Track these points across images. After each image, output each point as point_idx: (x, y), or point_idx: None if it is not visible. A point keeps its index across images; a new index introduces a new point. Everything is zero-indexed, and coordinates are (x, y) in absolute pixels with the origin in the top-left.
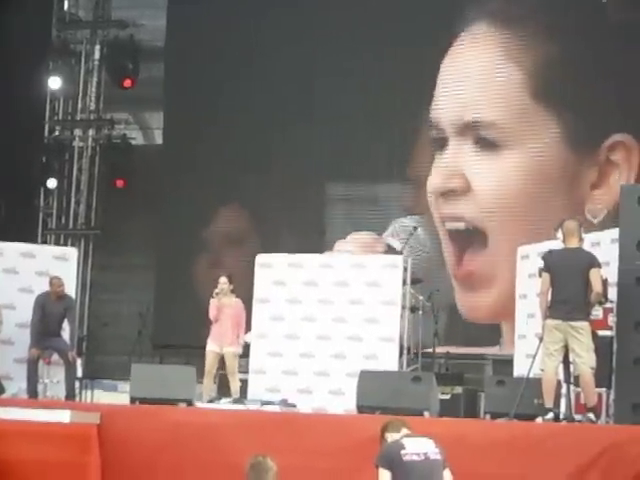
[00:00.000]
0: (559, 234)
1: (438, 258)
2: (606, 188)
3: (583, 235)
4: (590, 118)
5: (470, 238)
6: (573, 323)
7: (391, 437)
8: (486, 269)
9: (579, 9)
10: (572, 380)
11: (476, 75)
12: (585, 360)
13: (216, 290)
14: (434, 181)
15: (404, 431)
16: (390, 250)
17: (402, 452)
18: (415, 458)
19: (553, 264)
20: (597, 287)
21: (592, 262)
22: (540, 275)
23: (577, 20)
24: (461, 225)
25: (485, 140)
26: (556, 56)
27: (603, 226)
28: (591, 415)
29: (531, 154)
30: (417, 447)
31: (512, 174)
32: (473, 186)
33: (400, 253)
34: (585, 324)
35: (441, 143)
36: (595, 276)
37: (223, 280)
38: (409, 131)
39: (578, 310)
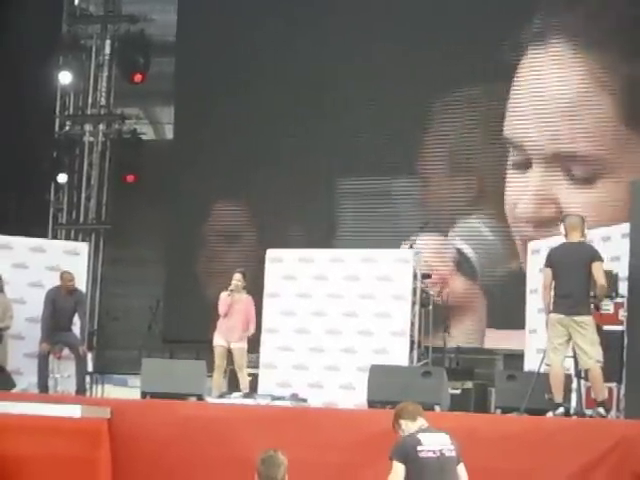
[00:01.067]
0: (561, 228)
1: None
2: None
3: (586, 230)
4: None
5: None
6: (576, 318)
7: (405, 425)
8: None
9: None
10: (583, 375)
11: (559, 99)
12: (590, 354)
13: (230, 287)
14: (523, 206)
15: (420, 421)
16: (459, 253)
17: (418, 448)
18: (430, 455)
19: (555, 259)
20: (600, 280)
21: (593, 256)
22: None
23: None
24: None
25: (578, 172)
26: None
27: None
28: (601, 409)
29: (623, 183)
30: (433, 443)
31: (607, 205)
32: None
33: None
34: (588, 318)
35: (522, 164)
36: (597, 270)
37: (238, 277)
38: (419, 126)
39: (581, 304)
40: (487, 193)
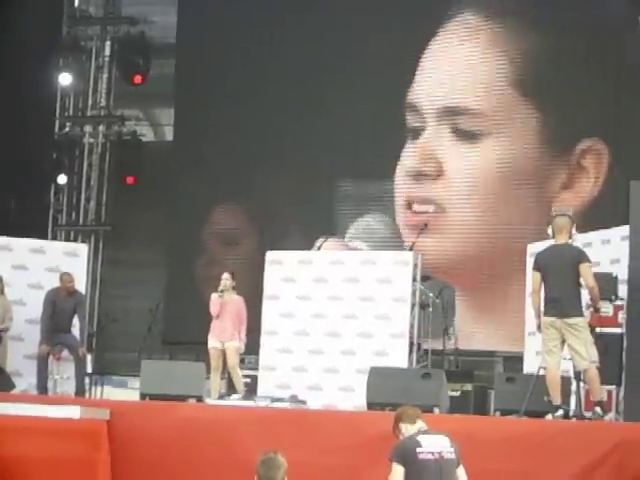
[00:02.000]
0: (549, 230)
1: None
2: (574, 192)
3: (574, 231)
4: (568, 118)
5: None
6: (568, 320)
7: (405, 428)
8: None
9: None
10: (582, 377)
11: (461, 62)
12: (584, 355)
13: (220, 287)
14: (406, 163)
15: (419, 424)
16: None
17: (417, 450)
18: (429, 457)
19: (542, 262)
20: (589, 283)
21: (580, 257)
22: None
23: (569, 15)
24: (430, 208)
25: (463, 127)
26: (543, 50)
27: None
28: (598, 409)
29: (507, 145)
30: (432, 445)
31: (486, 162)
32: (446, 171)
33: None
34: (580, 319)
35: (417, 131)
36: (585, 272)
37: (226, 276)
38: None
39: (571, 306)
40: None
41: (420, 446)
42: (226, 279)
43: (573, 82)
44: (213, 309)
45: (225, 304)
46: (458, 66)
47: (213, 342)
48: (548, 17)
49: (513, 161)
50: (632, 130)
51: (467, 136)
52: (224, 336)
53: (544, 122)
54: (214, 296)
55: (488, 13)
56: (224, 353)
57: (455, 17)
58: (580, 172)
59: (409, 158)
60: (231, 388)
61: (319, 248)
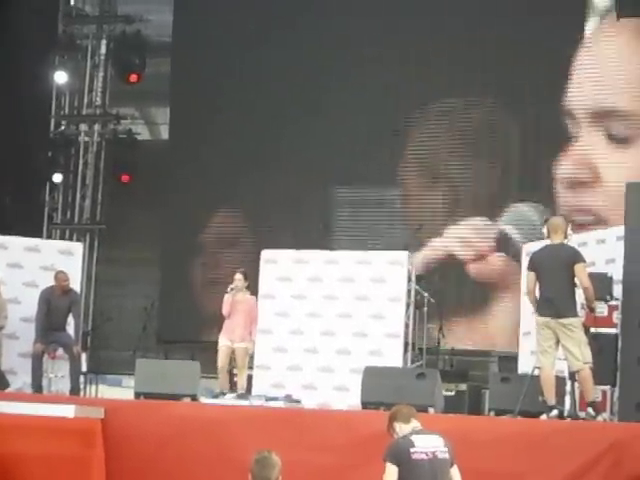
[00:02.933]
0: (544, 230)
1: None
2: None
3: (569, 231)
4: None
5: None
6: (562, 320)
7: (399, 427)
8: None
9: None
10: (576, 377)
11: (613, 65)
12: (577, 356)
13: (231, 286)
14: (563, 170)
15: (414, 423)
16: (503, 237)
17: (411, 450)
18: (423, 457)
19: (537, 262)
20: (584, 283)
21: (575, 258)
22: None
23: None
24: (589, 219)
25: (617, 131)
26: None
27: None
28: (590, 410)
29: None
30: (426, 445)
31: None
32: (603, 178)
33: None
34: (574, 320)
35: (571, 134)
36: (580, 272)
37: (239, 277)
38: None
39: (566, 307)
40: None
41: (414, 446)
42: (238, 279)
43: None
44: (224, 309)
45: (236, 303)
46: (608, 67)
47: (223, 340)
48: None
49: None
50: None
51: (624, 140)
52: (234, 335)
53: None
54: (225, 296)
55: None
56: (233, 352)
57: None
58: None
59: (566, 165)
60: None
61: None
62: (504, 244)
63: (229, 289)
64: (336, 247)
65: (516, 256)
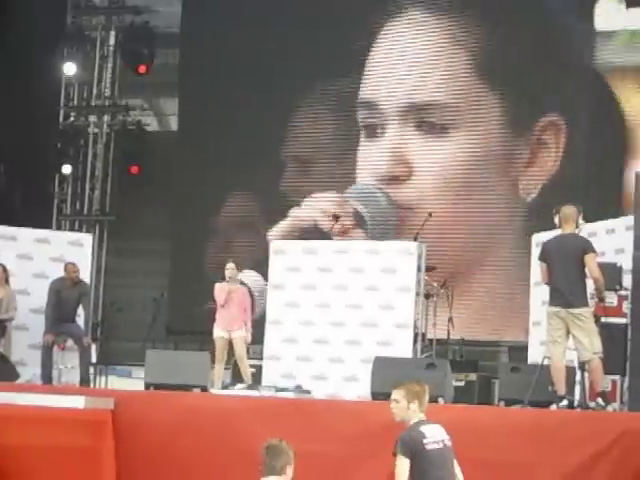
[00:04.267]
0: (556, 219)
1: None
2: (538, 167)
3: (581, 221)
4: (527, 98)
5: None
6: (572, 310)
7: (413, 410)
8: None
9: None
10: (586, 367)
11: (416, 56)
12: (587, 346)
13: (228, 275)
14: (373, 168)
15: (422, 415)
16: (356, 211)
17: (424, 441)
18: (436, 446)
19: (548, 252)
20: (594, 273)
21: (586, 248)
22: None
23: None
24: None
25: (430, 123)
26: (498, 36)
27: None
28: (600, 400)
29: (474, 135)
30: (435, 435)
31: (455, 156)
32: (416, 171)
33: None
34: (585, 310)
35: (374, 127)
36: (590, 262)
37: (230, 266)
38: None
39: (576, 296)
40: None
41: (425, 437)
42: (231, 269)
43: (527, 62)
44: (219, 297)
45: (231, 293)
46: (411, 61)
47: (219, 332)
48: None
49: (482, 149)
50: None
51: (434, 132)
52: (231, 325)
53: (506, 105)
54: (219, 285)
55: (433, 10)
56: (230, 343)
57: (399, 15)
58: (541, 146)
59: (374, 162)
60: (235, 378)
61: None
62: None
63: (227, 278)
64: None
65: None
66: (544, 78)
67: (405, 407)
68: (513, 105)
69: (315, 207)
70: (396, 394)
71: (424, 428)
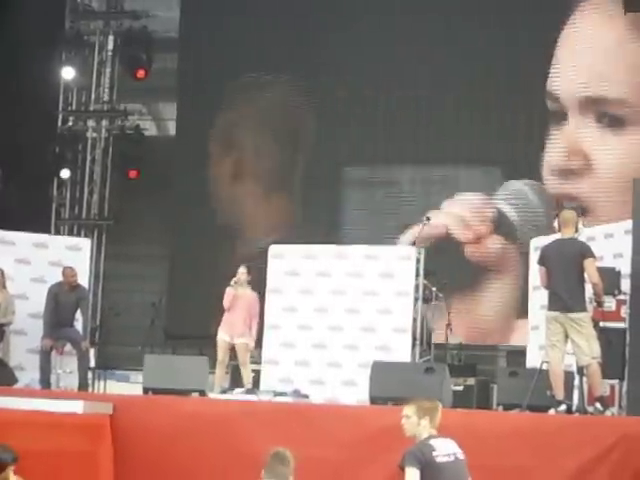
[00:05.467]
0: (555, 223)
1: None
2: None
3: (581, 225)
4: None
5: None
6: (571, 315)
7: (424, 426)
8: None
9: None
10: (585, 371)
11: (601, 49)
12: (586, 351)
13: (234, 279)
14: (552, 158)
15: (433, 430)
16: (500, 215)
17: (434, 453)
18: (447, 459)
19: (547, 256)
20: (593, 278)
21: (585, 252)
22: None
23: None
24: (573, 205)
25: (610, 117)
26: None
27: None
28: (598, 405)
29: None
30: (445, 448)
31: (635, 152)
32: (594, 165)
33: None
34: (584, 314)
35: (558, 117)
36: (589, 267)
37: (242, 270)
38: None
39: (575, 301)
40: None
41: (435, 450)
42: (242, 273)
43: None
44: (225, 302)
45: (238, 298)
46: (595, 53)
47: (222, 334)
48: None
49: None
50: None
51: (614, 126)
52: (234, 330)
53: None
54: (228, 289)
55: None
56: (232, 347)
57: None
58: None
59: (555, 153)
60: (234, 382)
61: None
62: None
63: (232, 282)
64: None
65: (512, 237)
66: None
67: (416, 423)
68: None
69: (449, 212)
70: (407, 410)
71: (434, 442)
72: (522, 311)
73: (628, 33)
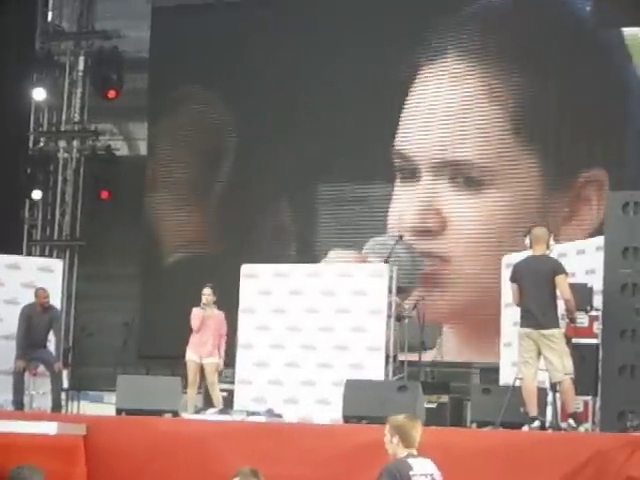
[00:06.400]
0: (527, 241)
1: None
2: (576, 222)
3: (552, 242)
4: (567, 153)
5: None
6: (543, 331)
7: (398, 445)
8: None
9: (554, 42)
10: (558, 388)
11: (452, 110)
12: (559, 367)
13: (203, 301)
14: (408, 217)
15: (412, 450)
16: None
17: (411, 473)
18: (423, 479)
19: (519, 273)
20: (565, 295)
21: (556, 269)
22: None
23: (552, 52)
24: (435, 261)
25: (464, 178)
26: (535, 90)
27: None
28: (571, 421)
29: (510, 191)
30: (423, 469)
31: (490, 211)
32: (449, 224)
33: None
34: (556, 331)
35: (409, 173)
36: (561, 283)
37: (207, 291)
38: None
39: (547, 317)
40: None
41: (412, 469)
42: (207, 294)
43: (566, 116)
44: (194, 323)
45: (206, 318)
46: (446, 113)
47: (191, 355)
48: (532, 55)
49: (518, 205)
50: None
51: (469, 187)
52: (203, 351)
53: (544, 161)
54: (196, 310)
55: (470, 59)
56: (202, 368)
57: (435, 62)
58: (581, 202)
59: (407, 209)
60: (207, 402)
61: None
62: None
63: (202, 305)
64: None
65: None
66: (586, 131)
67: (389, 441)
68: (552, 160)
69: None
70: (385, 427)
71: (412, 461)
72: None
73: (478, 93)
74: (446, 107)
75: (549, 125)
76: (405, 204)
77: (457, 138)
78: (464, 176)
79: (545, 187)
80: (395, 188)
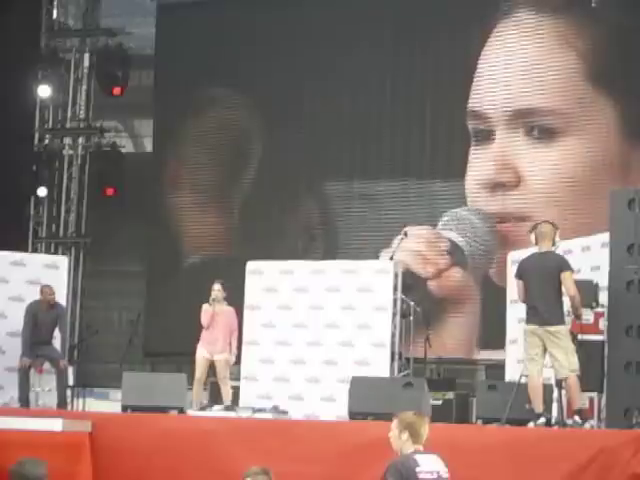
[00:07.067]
0: (532, 237)
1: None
2: None
3: (557, 238)
4: None
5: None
6: (549, 328)
7: (407, 440)
8: None
9: None
10: (563, 384)
11: (524, 62)
12: (564, 364)
13: (212, 297)
14: (479, 174)
15: (417, 445)
16: (452, 245)
17: (417, 469)
18: (429, 477)
19: (524, 270)
20: (570, 291)
21: (561, 265)
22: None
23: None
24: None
25: (539, 129)
26: (611, 38)
27: None
28: (577, 418)
29: (586, 142)
30: (430, 465)
31: (566, 163)
32: (525, 178)
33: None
34: (561, 327)
35: (484, 135)
36: (567, 280)
37: (217, 287)
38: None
39: (553, 314)
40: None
41: (419, 465)
42: (217, 290)
43: None
44: (204, 319)
45: (216, 314)
46: (521, 66)
47: (202, 351)
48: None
49: (593, 157)
50: None
51: (543, 138)
52: (214, 348)
53: (621, 111)
54: (205, 306)
55: (541, 10)
56: (211, 364)
57: (509, 16)
58: None
59: (481, 168)
60: (213, 399)
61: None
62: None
63: (210, 300)
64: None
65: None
66: None
67: (397, 436)
68: (630, 109)
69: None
70: (393, 422)
71: (418, 457)
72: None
73: (554, 40)
74: (521, 60)
75: (625, 73)
76: (479, 168)
77: (534, 88)
78: (541, 126)
79: (623, 139)
80: (470, 154)
